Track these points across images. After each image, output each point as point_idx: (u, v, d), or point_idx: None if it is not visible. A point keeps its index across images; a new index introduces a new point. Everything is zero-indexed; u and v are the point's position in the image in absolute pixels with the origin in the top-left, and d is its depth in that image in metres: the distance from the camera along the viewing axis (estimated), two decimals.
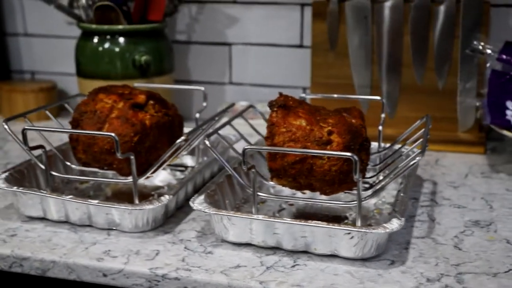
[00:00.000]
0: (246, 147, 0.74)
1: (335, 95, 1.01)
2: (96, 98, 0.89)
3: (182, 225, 0.82)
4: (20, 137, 0.83)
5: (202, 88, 1.05)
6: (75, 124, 0.88)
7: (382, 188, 0.76)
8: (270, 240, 0.75)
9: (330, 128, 0.78)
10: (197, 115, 1.03)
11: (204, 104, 1.04)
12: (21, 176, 0.88)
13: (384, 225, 0.70)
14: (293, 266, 0.71)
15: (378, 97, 0.98)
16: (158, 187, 0.95)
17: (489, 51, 1.06)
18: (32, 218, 0.84)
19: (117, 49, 1.17)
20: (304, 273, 0.70)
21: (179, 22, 1.35)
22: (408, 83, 1.19)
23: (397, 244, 0.76)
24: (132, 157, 0.81)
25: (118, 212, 0.79)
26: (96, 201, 0.78)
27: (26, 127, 0.81)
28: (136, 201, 0.82)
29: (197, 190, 0.89)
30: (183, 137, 0.81)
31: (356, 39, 1.19)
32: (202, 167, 0.92)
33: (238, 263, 0.72)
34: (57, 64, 1.46)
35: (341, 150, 0.76)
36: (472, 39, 1.13)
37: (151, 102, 0.90)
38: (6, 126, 0.85)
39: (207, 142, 0.79)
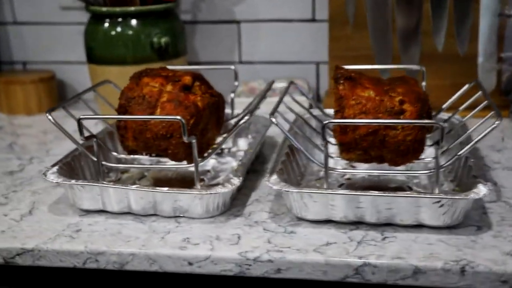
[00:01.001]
0: (326, 122, 0.73)
1: (376, 66, 1.00)
2: (141, 82, 0.86)
3: (248, 207, 0.80)
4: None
5: (232, 67, 1.02)
6: (122, 110, 0.84)
7: (459, 156, 0.76)
8: (351, 215, 0.74)
9: (401, 97, 0.77)
10: (232, 95, 1.00)
11: (236, 83, 1.02)
12: (69, 168, 0.84)
13: (474, 191, 0.70)
14: (383, 239, 0.71)
15: (418, 66, 0.98)
16: (204, 171, 0.93)
17: None
18: (89, 212, 0.80)
19: (131, 32, 1.12)
20: (398, 244, 0.69)
21: (184, 1, 1.31)
22: (428, 51, 1.20)
23: (474, 210, 0.77)
24: (194, 140, 0.78)
25: (188, 198, 0.76)
26: (165, 188, 0.75)
27: (82, 116, 0.77)
28: (198, 186, 0.79)
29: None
30: (246, 117, 0.78)
31: (375, 9, 1.18)
32: (255, 148, 0.90)
33: (327, 240, 0.71)
34: (52, 52, 1.40)
35: (414, 119, 0.76)
36: (492, 5, 1.14)
37: (197, 83, 0.87)
38: (50, 117, 0.80)
39: (273, 120, 0.77)
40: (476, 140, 0.74)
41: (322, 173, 0.89)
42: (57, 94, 1.37)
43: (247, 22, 1.31)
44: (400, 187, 0.85)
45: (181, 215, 0.78)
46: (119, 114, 0.84)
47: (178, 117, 0.75)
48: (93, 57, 1.16)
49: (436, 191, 0.75)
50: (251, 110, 0.79)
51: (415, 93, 0.78)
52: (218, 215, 0.78)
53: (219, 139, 0.94)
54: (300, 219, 0.76)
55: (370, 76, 0.82)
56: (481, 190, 0.71)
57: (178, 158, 0.84)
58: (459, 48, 1.19)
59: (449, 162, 0.76)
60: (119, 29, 1.12)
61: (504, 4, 1.13)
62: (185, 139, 0.76)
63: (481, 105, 0.83)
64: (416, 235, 0.71)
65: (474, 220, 0.74)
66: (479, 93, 0.87)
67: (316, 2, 1.27)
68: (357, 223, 0.74)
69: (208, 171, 0.94)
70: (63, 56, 1.38)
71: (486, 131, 0.73)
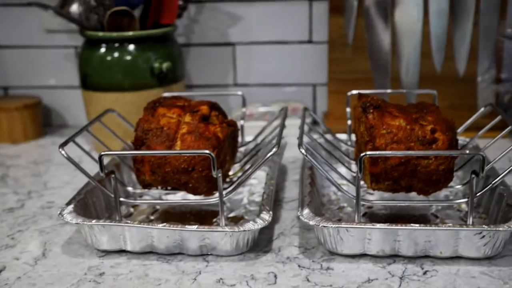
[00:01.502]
0: (363, 154, 0.71)
1: (389, 91, 0.99)
2: (156, 113, 0.82)
3: (276, 242, 0.78)
4: None
5: (240, 93, 1.00)
6: (139, 143, 0.80)
7: (493, 185, 0.75)
8: (388, 248, 0.72)
9: (432, 126, 0.76)
10: (242, 122, 0.98)
11: (244, 109, 1.00)
12: (84, 206, 0.79)
13: None
14: (424, 273, 0.69)
15: (432, 90, 0.97)
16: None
17: None
18: (108, 252, 0.76)
19: (129, 57, 1.08)
20: (441, 279, 0.68)
21: (177, 23, 1.28)
22: (427, 72, 1.20)
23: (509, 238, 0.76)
24: (220, 174, 0.75)
25: (218, 236, 0.72)
26: (195, 226, 0.72)
27: (104, 153, 0.73)
28: (223, 221, 0.76)
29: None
30: (274, 149, 0.76)
31: (375, 33, 1.18)
32: (276, 179, 0.88)
33: (367, 276, 0.69)
34: (36, 77, 1.34)
35: (447, 148, 0.75)
36: (491, 25, 1.15)
37: (214, 112, 0.85)
38: (63, 152, 0.76)
39: (303, 151, 0.74)
40: (509, 168, 0.73)
41: (341, 202, 0.87)
42: (42, 121, 1.31)
43: (242, 44, 1.28)
44: (423, 216, 0.84)
45: (208, 253, 0.74)
46: (135, 146, 0.80)
47: (207, 151, 0.72)
48: (89, 83, 1.11)
49: (470, 220, 0.74)
50: (278, 141, 0.77)
51: (445, 121, 0.77)
52: (247, 252, 0.75)
53: (235, 170, 0.91)
54: (333, 253, 0.74)
55: (395, 103, 0.80)
56: None
57: (198, 192, 0.81)
58: (458, 69, 1.20)
59: (483, 191, 0.75)
60: (116, 54, 1.08)
61: (503, 25, 1.14)
62: (214, 173, 0.73)
63: (507, 129, 0.83)
64: (456, 267, 0.70)
65: (509, 250, 0.73)
66: (499, 117, 0.87)
67: (313, 23, 1.26)
68: (393, 256, 0.73)
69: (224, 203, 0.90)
70: (47, 81, 1.33)
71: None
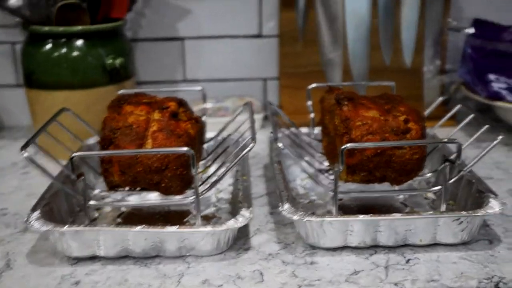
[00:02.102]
0: (344, 146, 0.71)
1: (364, 82, 1.00)
2: (123, 111, 0.79)
3: (254, 239, 0.76)
4: None
5: (199, 88, 0.98)
6: (107, 143, 0.76)
7: (464, 171, 0.77)
8: (368, 239, 0.72)
9: (405, 116, 0.77)
10: (204, 117, 0.95)
11: (205, 105, 0.98)
12: (49, 211, 0.75)
13: (490, 205, 0.72)
14: (407, 262, 0.70)
15: (391, 82, 0.98)
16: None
17: (467, 30, 1.12)
18: (80, 259, 0.72)
19: (78, 54, 1.03)
20: (425, 266, 0.69)
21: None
22: (376, 64, 1.22)
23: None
24: (199, 171, 0.72)
25: (199, 236, 0.70)
26: (175, 227, 0.69)
27: (76, 154, 0.69)
28: (199, 221, 0.74)
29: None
30: (252, 144, 0.74)
31: (325, 25, 1.18)
32: (248, 174, 0.86)
33: (353, 268, 0.69)
34: None
35: (419, 137, 0.76)
36: (436, 18, 1.19)
37: (182, 109, 0.82)
38: (26, 154, 0.71)
39: (280, 145, 0.74)
40: (481, 155, 0.75)
41: (311, 196, 0.87)
42: None
43: (191, 39, 1.26)
44: (393, 205, 0.85)
45: (187, 254, 0.72)
46: (102, 146, 0.77)
47: (185, 149, 0.69)
48: (34, 81, 1.05)
49: (444, 207, 0.76)
50: (253, 136, 0.75)
51: (416, 111, 0.78)
52: (226, 251, 0.73)
53: (201, 168, 0.89)
54: (314, 247, 0.73)
55: (366, 95, 0.81)
56: (495, 204, 0.72)
57: (170, 191, 0.78)
58: (405, 61, 1.22)
59: (455, 178, 0.76)
60: (64, 50, 1.02)
61: (447, 17, 1.17)
62: (193, 171, 0.71)
63: (468, 118, 0.85)
64: (436, 254, 0.71)
65: (482, 234, 0.75)
66: (458, 106, 0.89)
67: (262, 17, 1.25)
68: (374, 247, 0.73)
69: (192, 202, 0.88)
70: None
71: (491, 146, 0.75)
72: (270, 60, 1.27)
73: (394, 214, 0.71)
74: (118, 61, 1.03)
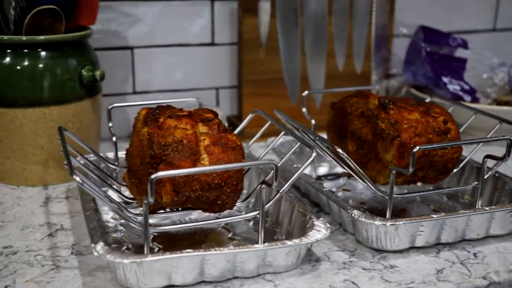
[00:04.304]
0: (416, 149, 0.72)
1: (344, 89, 1.01)
2: (164, 125, 0.73)
3: (316, 249, 0.75)
4: None
5: (193, 99, 0.94)
6: (157, 161, 0.70)
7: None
8: (433, 238, 0.75)
9: (443, 117, 0.81)
10: None
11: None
12: (106, 239, 0.66)
13: None
14: (475, 255, 0.74)
15: (375, 86, 1.02)
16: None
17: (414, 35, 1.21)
18: None
19: (44, 66, 0.92)
20: (494, 257, 0.73)
21: None
22: (331, 70, 1.25)
23: None
24: (263, 186, 0.70)
25: (280, 252, 0.67)
26: (259, 245, 0.66)
27: (159, 174, 0.62)
28: (262, 236, 0.71)
29: None
30: (314, 153, 0.72)
31: (286, 32, 1.19)
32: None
33: (434, 267, 0.71)
34: None
35: (458, 137, 0.81)
36: (383, 25, 1.26)
37: (218, 120, 0.78)
38: (78, 179, 0.63)
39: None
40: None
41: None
42: None
43: (141, 48, 1.19)
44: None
45: (266, 272, 0.69)
46: (152, 165, 0.70)
47: (274, 162, 0.66)
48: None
49: (480, 203, 0.81)
50: (310, 146, 0.74)
51: (448, 112, 0.82)
52: (301, 264, 0.71)
53: None
54: (381, 251, 0.74)
55: (401, 98, 0.84)
56: None
57: (224, 208, 0.74)
58: (356, 66, 1.28)
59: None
60: (27, 63, 0.91)
61: (391, 25, 1.25)
62: (275, 184, 0.67)
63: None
64: (494, 246, 0.76)
65: None
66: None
67: (215, 25, 1.22)
68: (436, 245, 0.76)
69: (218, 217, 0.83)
70: None
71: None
72: (223, 68, 1.25)
73: (460, 212, 0.74)
74: (98, 73, 0.95)
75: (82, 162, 0.82)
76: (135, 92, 1.21)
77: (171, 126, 0.73)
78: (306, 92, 0.99)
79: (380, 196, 0.78)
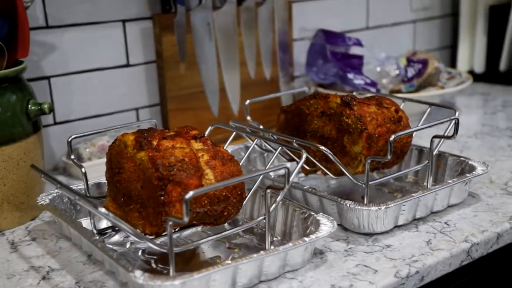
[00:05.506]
0: (392, 137, 0.80)
1: (280, 93, 1.07)
2: (161, 147, 0.74)
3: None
4: None
5: (154, 121, 0.95)
6: (165, 182, 0.71)
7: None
8: (410, 216, 0.84)
9: (395, 107, 0.90)
10: None
11: None
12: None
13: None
14: (447, 224, 0.84)
15: (304, 88, 1.10)
16: None
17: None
18: None
19: None
20: (465, 224, 0.84)
21: None
22: (245, 78, 1.31)
23: None
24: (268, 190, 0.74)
25: (298, 251, 0.72)
26: (281, 248, 0.70)
27: (191, 193, 0.63)
28: (269, 239, 0.75)
29: None
30: (305, 154, 0.78)
31: (202, 46, 1.23)
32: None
33: (426, 239, 0.80)
34: None
35: (408, 123, 0.90)
36: (284, 32, 1.34)
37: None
38: (103, 210, 0.63)
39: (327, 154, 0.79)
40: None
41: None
42: None
43: (57, 76, 1.15)
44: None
45: (285, 271, 0.73)
46: (161, 188, 0.70)
47: (288, 164, 0.70)
48: None
49: (431, 180, 0.91)
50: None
51: (396, 103, 0.92)
52: (313, 258, 0.76)
53: None
54: (371, 234, 0.81)
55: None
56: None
57: (229, 218, 0.77)
58: (265, 73, 1.35)
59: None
60: None
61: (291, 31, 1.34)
62: (287, 187, 0.71)
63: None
64: (457, 213, 0.87)
65: None
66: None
67: (129, 45, 1.21)
68: (412, 221, 0.85)
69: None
70: None
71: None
72: (140, 88, 1.24)
73: (435, 187, 0.84)
74: (46, 106, 0.91)
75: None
76: (56, 123, 1.16)
77: (168, 147, 0.74)
78: (248, 101, 1.03)
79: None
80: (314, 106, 0.92)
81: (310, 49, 1.39)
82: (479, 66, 1.69)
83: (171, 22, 1.19)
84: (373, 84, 1.32)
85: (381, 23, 1.62)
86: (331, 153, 0.82)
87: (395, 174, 0.90)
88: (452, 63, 1.79)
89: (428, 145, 0.94)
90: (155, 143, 0.74)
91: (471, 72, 1.65)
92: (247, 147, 1.07)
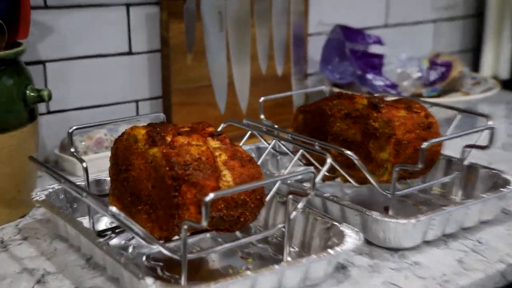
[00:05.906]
0: (424, 145, 0.79)
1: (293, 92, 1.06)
2: (176, 144, 0.72)
3: None
4: None
5: (162, 115, 0.93)
6: (180, 182, 0.69)
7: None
8: (440, 231, 0.83)
9: (425, 112, 0.89)
10: None
11: None
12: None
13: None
14: (479, 242, 0.83)
15: (322, 87, 1.09)
16: None
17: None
18: None
19: None
20: (495, 241, 0.83)
21: None
22: (255, 73, 1.29)
23: None
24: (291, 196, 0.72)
25: (324, 262, 0.71)
26: (303, 260, 0.68)
27: (212, 195, 0.61)
28: (288, 249, 0.74)
29: None
30: (329, 159, 0.76)
31: (212, 36, 1.21)
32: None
33: (457, 257, 0.79)
34: None
35: (438, 129, 0.89)
36: (299, 25, 1.33)
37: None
38: (114, 210, 0.61)
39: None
40: None
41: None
42: None
43: (54, 61, 1.13)
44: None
45: (306, 285, 0.71)
46: (175, 188, 0.69)
47: (311, 169, 0.69)
48: None
49: (460, 193, 0.90)
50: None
51: (425, 107, 0.91)
52: (335, 273, 0.75)
53: None
54: (396, 249, 0.80)
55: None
56: None
57: (245, 225, 0.75)
58: (277, 69, 1.33)
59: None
60: None
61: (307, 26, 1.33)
62: (312, 194, 0.70)
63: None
64: (489, 230, 0.86)
65: None
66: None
67: (132, 32, 1.20)
68: (443, 237, 0.84)
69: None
70: None
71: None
72: (142, 79, 1.23)
73: (465, 201, 0.83)
74: (45, 93, 0.89)
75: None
76: (49, 112, 1.14)
77: (183, 144, 0.72)
78: (263, 98, 1.02)
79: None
80: (337, 107, 0.91)
81: (326, 45, 1.38)
82: (505, 72, 1.69)
83: (180, 8, 1.17)
84: (394, 86, 1.31)
85: (400, 21, 1.61)
86: (357, 158, 0.80)
87: (423, 185, 0.89)
88: (475, 67, 1.78)
89: (454, 155, 0.93)
90: (169, 139, 0.73)
91: (495, 78, 1.64)
92: (258, 148, 1.06)
